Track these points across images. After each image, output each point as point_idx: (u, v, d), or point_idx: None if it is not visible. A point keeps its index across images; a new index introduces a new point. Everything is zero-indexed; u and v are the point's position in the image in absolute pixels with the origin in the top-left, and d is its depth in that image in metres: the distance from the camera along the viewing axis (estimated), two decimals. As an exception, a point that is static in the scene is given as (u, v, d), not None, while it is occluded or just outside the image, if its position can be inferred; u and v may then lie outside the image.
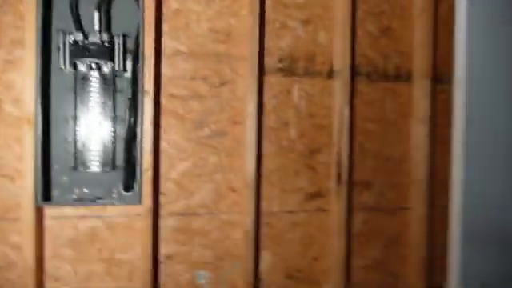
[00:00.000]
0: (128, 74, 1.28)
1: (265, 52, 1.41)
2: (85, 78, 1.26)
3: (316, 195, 1.49)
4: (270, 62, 1.42)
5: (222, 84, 1.38)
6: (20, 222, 1.23)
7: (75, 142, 1.26)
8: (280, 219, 1.46)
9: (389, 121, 1.54)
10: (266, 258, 1.45)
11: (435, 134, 1.55)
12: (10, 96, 1.24)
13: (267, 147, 1.43)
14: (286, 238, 1.46)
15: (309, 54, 1.46)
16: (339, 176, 1.47)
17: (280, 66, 1.43)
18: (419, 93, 1.53)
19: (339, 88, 1.46)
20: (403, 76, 1.55)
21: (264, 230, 1.44)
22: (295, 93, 1.45)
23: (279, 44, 1.43)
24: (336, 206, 1.48)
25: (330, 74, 1.48)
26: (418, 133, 1.53)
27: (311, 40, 1.46)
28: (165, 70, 1.33)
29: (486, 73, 0.77)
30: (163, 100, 1.33)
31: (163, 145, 1.34)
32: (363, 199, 1.53)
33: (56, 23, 1.24)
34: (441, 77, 1.56)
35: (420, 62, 1.53)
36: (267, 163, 1.43)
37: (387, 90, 1.53)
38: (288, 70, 1.44)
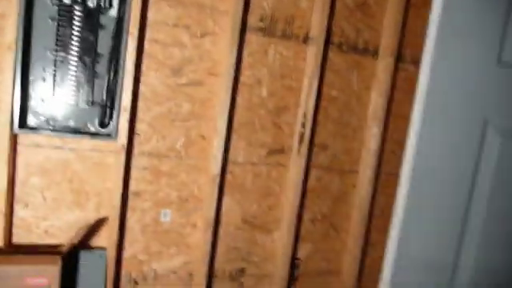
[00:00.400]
0: (113, 12, 1.30)
1: (248, 9, 1.47)
2: (69, 11, 1.26)
3: (278, 151, 1.61)
4: (252, 20, 1.48)
5: (204, 35, 1.43)
6: (-8, 146, 1.26)
7: (54, 74, 1.28)
8: (243, 169, 1.57)
9: (352, 91, 1.67)
10: (226, 202, 1.57)
11: (391, 108, 1.71)
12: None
13: (239, 102, 1.52)
14: (246, 186, 1.59)
15: (288, 17, 1.53)
16: (301, 136, 1.59)
17: (261, 25, 1.50)
18: (382, 68, 1.67)
19: (312, 54, 1.56)
20: (371, 51, 1.67)
21: (228, 178, 1.55)
22: (271, 53, 1.53)
23: (262, 3, 1.49)
24: (295, 163, 1.61)
25: (306, 40, 1.57)
26: (377, 105, 1.68)
27: (293, 3, 1.53)
28: (150, 13, 1.36)
29: (451, 62, 0.88)
30: (146, 44, 1.37)
31: (142, 87, 1.39)
32: (320, 159, 1.67)
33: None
34: (404, 57, 1.69)
35: (387, 40, 1.65)
36: (238, 117, 1.52)
37: (355, 61, 1.65)
38: (267, 30, 1.51)
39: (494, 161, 0.95)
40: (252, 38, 1.50)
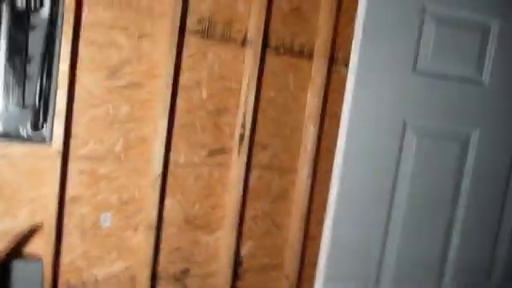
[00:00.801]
0: (45, 13, 1.26)
1: (186, 12, 1.48)
2: (-4, 11, 1.20)
3: (219, 152, 1.64)
4: (191, 22, 1.50)
5: (141, 37, 1.43)
6: None
7: (-20, 75, 1.22)
8: (185, 170, 1.59)
9: (289, 92, 1.74)
10: (168, 204, 1.57)
11: (326, 108, 1.80)
12: None
13: (179, 103, 1.53)
14: (188, 187, 1.60)
15: (227, 20, 1.57)
16: (242, 136, 1.64)
17: (199, 28, 1.52)
18: (316, 70, 1.75)
19: (250, 56, 1.61)
20: (306, 53, 1.75)
21: (169, 179, 1.56)
22: (210, 56, 1.56)
23: (200, 7, 1.51)
24: (236, 163, 1.65)
25: (244, 43, 1.61)
26: (313, 105, 1.77)
27: (230, 7, 1.56)
28: (85, 14, 1.33)
29: (373, 67, 0.96)
30: (81, 45, 1.34)
31: (77, 89, 1.36)
32: (260, 158, 1.73)
33: None
34: (337, 59, 1.79)
35: (321, 43, 1.74)
36: (178, 118, 1.53)
37: (291, 64, 1.72)
38: (206, 33, 1.54)
39: (412, 156, 1.04)
40: (191, 41, 1.51)
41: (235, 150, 1.65)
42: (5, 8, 1.20)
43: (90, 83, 1.37)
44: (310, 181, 1.80)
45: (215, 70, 1.58)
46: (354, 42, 1.02)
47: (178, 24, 1.43)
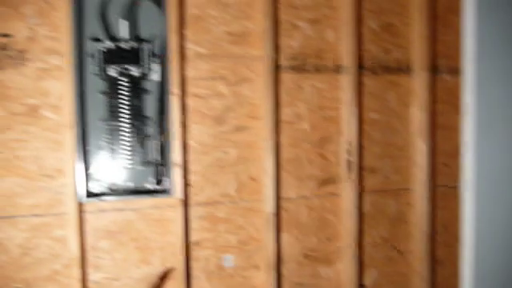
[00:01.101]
0: (155, 77, 1.39)
1: (278, 51, 1.53)
2: (115, 82, 1.36)
3: (328, 181, 1.62)
4: (283, 60, 1.54)
5: (239, 82, 1.50)
6: (63, 217, 1.35)
7: (109, 142, 1.37)
8: (297, 204, 1.59)
9: (392, 110, 1.67)
10: (285, 239, 1.58)
11: (435, 120, 1.69)
12: (47, 102, 1.34)
13: (283, 139, 1.55)
14: (302, 221, 1.60)
15: (318, 52, 1.58)
16: (349, 163, 1.60)
17: (292, 63, 1.55)
18: (418, 83, 1.66)
19: (346, 82, 1.59)
20: (404, 68, 1.68)
21: (283, 215, 1.57)
22: (306, 88, 1.57)
23: (290, 43, 1.55)
24: (347, 190, 1.61)
25: (338, 69, 1.60)
26: (419, 120, 1.67)
27: (319, 38, 1.58)
28: (188, 71, 1.44)
29: (494, 63, 0.87)
30: (188, 100, 1.45)
31: (189, 141, 1.46)
32: (371, 183, 1.66)
33: (87, 31, 1.34)
34: (439, 68, 1.69)
35: (418, 54, 1.65)
36: (283, 154, 1.56)
37: (390, 81, 1.66)
38: (299, 67, 1.56)
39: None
40: (286, 77, 1.55)
41: (344, 178, 1.61)
42: (123, 78, 1.36)
43: (199, 134, 1.47)
44: (428, 199, 1.68)
45: (313, 101, 1.58)
46: (466, 49, 0.95)
47: (272, 63, 1.48)
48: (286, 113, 1.56)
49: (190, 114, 1.46)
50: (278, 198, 1.55)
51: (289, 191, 1.58)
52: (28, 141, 1.34)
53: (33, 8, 1.33)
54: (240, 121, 1.51)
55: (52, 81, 1.34)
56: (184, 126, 1.44)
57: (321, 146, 1.60)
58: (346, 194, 1.61)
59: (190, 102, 1.45)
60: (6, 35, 1.31)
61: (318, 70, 1.58)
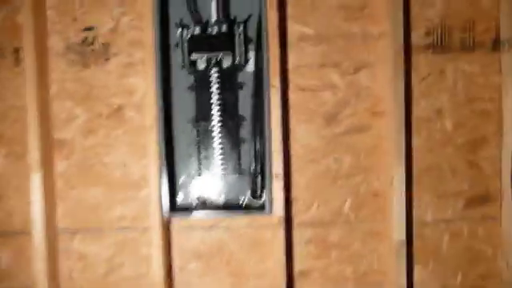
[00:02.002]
0: (250, 67, 1.13)
1: (409, 25, 1.15)
2: (205, 75, 1.14)
3: (481, 199, 1.19)
4: (416, 36, 1.16)
5: (358, 69, 1.16)
6: (148, 233, 1.16)
7: (198, 146, 1.15)
8: (435, 230, 1.19)
9: None
10: (418, 275, 1.19)
11: None
12: (131, 101, 1.18)
13: (417, 142, 1.17)
14: (443, 252, 1.19)
15: (466, 23, 1.16)
16: (514, 175, 1.15)
17: (428, 40, 1.16)
18: None
19: (509, 62, 1.14)
20: None
21: (416, 243, 1.19)
22: (449, 73, 1.16)
23: (426, 13, 1.16)
24: (509, 212, 1.16)
25: (496, 46, 1.16)
26: None
27: (468, 3, 1.15)
28: (291, 58, 1.15)
29: None
30: (291, 94, 1.16)
31: (293, 145, 1.17)
32: (546, 203, 1.18)
33: (173, 18, 1.14)
34: None
35: None
36: (417, 162, 1.17)
37: None
38: (439, 45, 1.16)
39: None
40: (420, 60, 1.16)
41: (507, 195, 1.16)
42: (213, 70, 1.13)
43: (305, 136, 1.17)
44: None
45: (459, 91, 1.17)
46: None
47: (400, 42, 1.10)
48: (421, 107, 1.17)
49: (294, 112, 1.16)
50: (410, 220, 1.17)
51: (424, 212, 1.18)
52: (113, 146, 1.18)
53: (117, -2, 1.17)
54: (358, 119, 1.17)
55: (136, 77, 1.17)
56: (286, 126, 1.16)
57: (470, 151, 1.18)
58: (509, 217, 1.16)
59: (294, 97, 1.16)
60: (89, 28, 1.18)
61: (467, 47, 1.16)
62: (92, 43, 1.18)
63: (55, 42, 1.18)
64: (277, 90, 1.09)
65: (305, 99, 1.16)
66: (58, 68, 1.18)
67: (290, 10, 1.15)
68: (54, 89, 1.18)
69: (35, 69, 1.12)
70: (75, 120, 1.18)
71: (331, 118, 1.16)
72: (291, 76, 1.16)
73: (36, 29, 1.12)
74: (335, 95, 1.16)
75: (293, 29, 1.15)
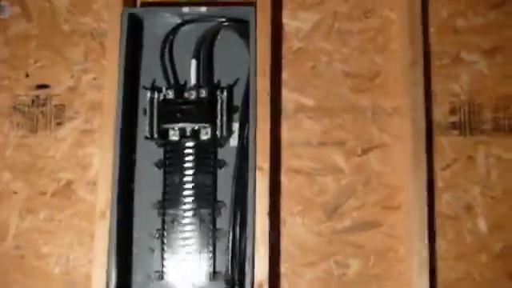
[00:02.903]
0: (234, 142, 0.91)
1: (429, 99, 0.94)
2: (177, 150, 0.91)
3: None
4: (439, 114, 0.95)
5: (367, 150, 0.94)
6: None
7: (163, 238, 0.89)
8: None
9: None
10: None
11: None
12: (84, 177, 0.94)
13: (441, 246, 0.92)
14: None
15: (499, 100, 0.95)
16: None
17: (453, 119, 0.95)
18: None
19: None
20: None
21: None
22: (480, 159, 0.94)
23: (451, 88, 0.96)
24: None
25: (538, 129, 0.95)
26: None
27: (501, 78, 0.96)
28: (284, 133, 0.94)
29: None
30: (283, 177, 0.93)
31: (284, 244, 0.91)
32: None
33: (144, 78, 0.94)
34: None
35: None
36: (442, 272, 0.91)
37: None
38: (466, 126, 0.95)
39: None
40: (443, 142, 0.94)
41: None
42: (188, 144, 0.90)
43: (299, 232, 0.92)
44: None
45: (494, 182, 0.93)
46: None
47: (421, 121, 0.89)
48: (446, 201, 0.93)
49: (286, 200, 0.93)
50: None
51: None
52: (55, 232, 0.93)
53: (80, 51, 0.98)
54: (367, 212, 0.92)
55: (92, 147, 0.95)
56: (276, 218, 0.91)
57: (511, 261, 0.92)
58: None
59: (287, 182, 0.93)
60: (43, 86, 0.97)
61: (501, 129, 0.95)
62: (43, 104, 0.97)
63: (0, 100, 0.97)
64: (265, 172, 0.86)
65: (300, 185, 0.92)
66: (0, 131, 0.96)
67: (285, 76, 0.95)
68: (-10, 157, 0.96)
69: (-34, 132, 0.90)
70: (12, 196, 0.94)
71: (333, 211, 0.92)
72: (284, 155, 0.93)
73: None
74: (338, 181, 0.92)
75: (288, 98, 0.95)
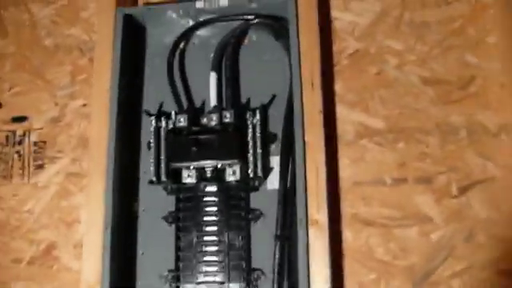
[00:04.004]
0: (273, 184, 0.65)
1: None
2: (194, 198, 0.65)
3: None
4: None
5: (467, 188, 0.65)
6: None
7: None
8: None
9: None
10: None
11: None
12: (72, 238, 0.70)
13: None
14: None
15: None
16: None
17: None
18: None
19: None
20: None
21: None
22: None
23: None
24: None
25: None
26: None
27: None
28: (344, 169, 0.66)
29: None
30: (346, 232, 0.65)
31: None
32: None
33: (148, 102, 0.70)
34: None
35: None
36: None
37: None
38: None
39: None
40: None
41: None
42: (208, 188, 0.64)
43: (375, 312, 0.63)
44: None
45: None
46: None
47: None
48: None
49: (351, 266, 0.64)
50: None
51: None
52: (32, 316, 0.68)
53: (66, 71, 0.76)
54: (473, 279, 0.62)
55: (81, 196, 0.70)
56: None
57: None
58: None
59: (351, 238, 0.65)
60: (21, 119, 0.75)
61: None
62: (20, 142, 0.74)
63: (-33, 140, 0.75)
64: (322, 226, 0.58)
65: (371, 242, 0.64)
66: (-35, 180, 0.73)
67: (339, 88, 0.69)
68: (-49, 214, 0.72)
69: None
70: (-22, 267, 0.70)
71: (423, 279, 0.63)
72: (345, 201, 0.65)
73: None
74: (427, 236, 0.64)
75: (345, 118, 0.68)
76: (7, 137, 0.74)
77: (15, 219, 0.71)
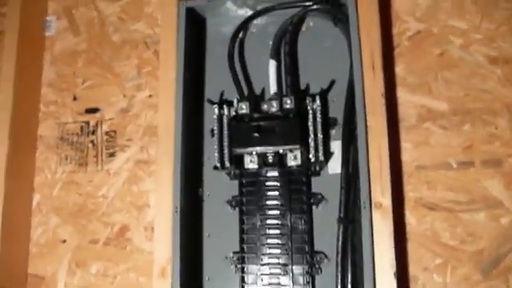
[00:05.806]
0: (334, 168, 0.65)
1: None
2: (256, 182, 0.67)
3: None
4: None
5: (539, 172, 0.62)
6: None
7: (243, 301, 0.65)
8: None
9: None
10: None
11: None
12: (142, 220, 0.74)
13: None
14: None
15: None
16: None
17: None
18: None
19: None
20: None
21: None
22: None
23: None
24: None
25: None
26: None
27: None
28: (407, 153, 0.66)
29: None
30: (409, 217, 0.64)
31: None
32: None
33: (210, 91, 0.73)
34: None
35: None
36: None
37: None
38: None
39: None
40: None
41: None
42: (270, 173, 0.66)
43: (441, 297, 0.62)
44: None
45: None
46: None
47: None
48: None
49: (416, 250, 0.64)
50: None
51: None
52: (108, 292, 0.74)
53: (132, 64, 0.80)
54: (546, 267, 0.60)
55: (149, 182, 0.75)
56: (403, 276, 0.63)
57: None
58: None
59: (415, 223, 0.64)
60: (93, 110, 0.80)
61: None
62: (93, 132, 0.79)
63: (47, 130, 0.82)
64: (386, 210, 0.58)
65: (437, 227, 0.63)
66: (47, 167, 0.80)
67: (400, 71, 0.68)
68: (35, 198, 0.79)
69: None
70: (59, 246, 0.77)
71: (492, 265, 0.61)
72: (408, 185, 0.65)
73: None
74: (497, 220, 0.62)
75: (407, 102, 0.67)
76: (82, 127, 0.80)
77: (91, 203, 0.77)
